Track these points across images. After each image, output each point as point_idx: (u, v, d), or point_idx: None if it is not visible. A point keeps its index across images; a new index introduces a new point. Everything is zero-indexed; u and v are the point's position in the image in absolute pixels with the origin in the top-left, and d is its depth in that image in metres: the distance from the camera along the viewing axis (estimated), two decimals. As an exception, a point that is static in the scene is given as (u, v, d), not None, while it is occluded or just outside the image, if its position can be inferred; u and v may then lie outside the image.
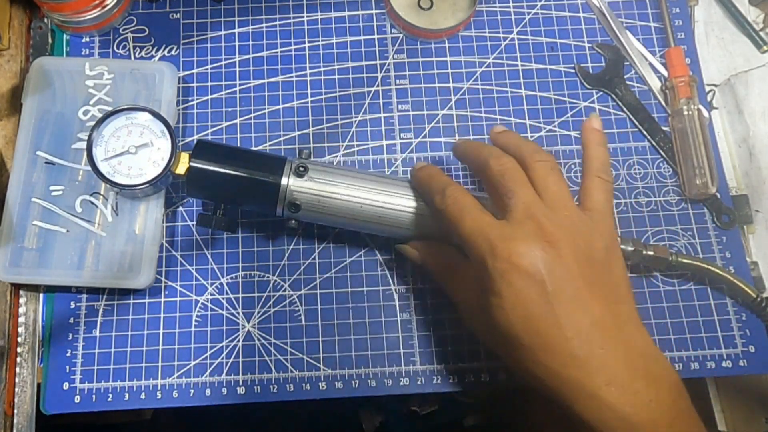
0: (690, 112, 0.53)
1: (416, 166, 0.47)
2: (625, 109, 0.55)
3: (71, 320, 0.49)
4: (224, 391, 0.48)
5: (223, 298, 0.50)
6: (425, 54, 0.57)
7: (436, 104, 0.55)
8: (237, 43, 0.56)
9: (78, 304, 0.50)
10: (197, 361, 0.49)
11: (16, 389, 0.48)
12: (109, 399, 0.48)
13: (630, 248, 0.47)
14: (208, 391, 0.48)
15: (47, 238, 0.48)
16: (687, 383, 0.48)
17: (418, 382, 0.49)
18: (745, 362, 0.49)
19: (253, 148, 0.53)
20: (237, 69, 0.56)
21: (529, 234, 0.38)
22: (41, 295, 0.50)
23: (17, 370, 0.48)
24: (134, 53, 0.56)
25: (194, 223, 0.52)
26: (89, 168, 0.46)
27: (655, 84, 0.56)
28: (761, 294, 0.49)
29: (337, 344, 0.49)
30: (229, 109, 0.55)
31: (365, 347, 0.49)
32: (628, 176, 0.54)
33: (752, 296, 0.49)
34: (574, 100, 0.56)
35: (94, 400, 0.48)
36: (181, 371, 0.48)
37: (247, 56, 0.56)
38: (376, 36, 0.57)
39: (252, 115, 0.54)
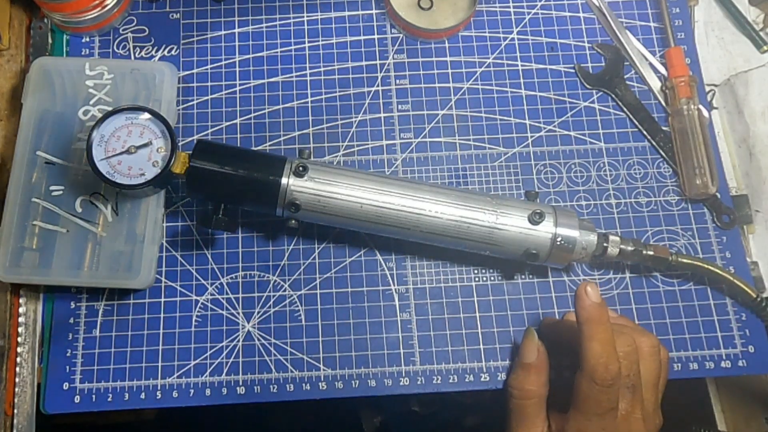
0: (690, 112, 0.53)
1: (590, 291, 0.42)
2: (625, 109, 0.55)
3: (71, 320, 0.49)
4: (224, 391, 0.48)
5: (223, 298, 0.50)
6: (425, 54, 0.57)
7: (436, 104, 0.55)
8: (237, 43, 0.56)
9: (78, 304, 0.50)
10: (197, 361, 0.49)
11: (16, 389, 0.48)
12: (109, 399, 0.48)
13: (630, 248, 0.47)
14: (208, 391, 0.48)
15: (47, 238, 0.48)
16: (686, 383, 0.48)
17: (418, 382, 0.49)
18: (744, 362, 0.49)
19: (253, 148, 0.53)
20: (237, 69, 0.56)
21: None
22: (41, 295, 0.50)
23: (17, 370, 0.48)
24: (134, 53, 0.56)
25: (194, 223, 0.52)
26: (89, 168, 0.46)
27: (655, 84, 0.56)
28: (761, 294, 0.49)
29: (337, 344, 0.49)
30: (229, 109, 0.55)
31: (365, 347, 0.49)
32: (628, 176, 0.54)
33: (752, 296, 0.49)
34: (574, 100, 0.56)
35: (94, 400, 0.48)
36: (181, 371, 0.48)
37: (247, 56, 0.56)
38: (376, 36, 0.57)
39: (252, 115, 0.54)
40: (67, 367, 0.48)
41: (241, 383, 0.48)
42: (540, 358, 0.44)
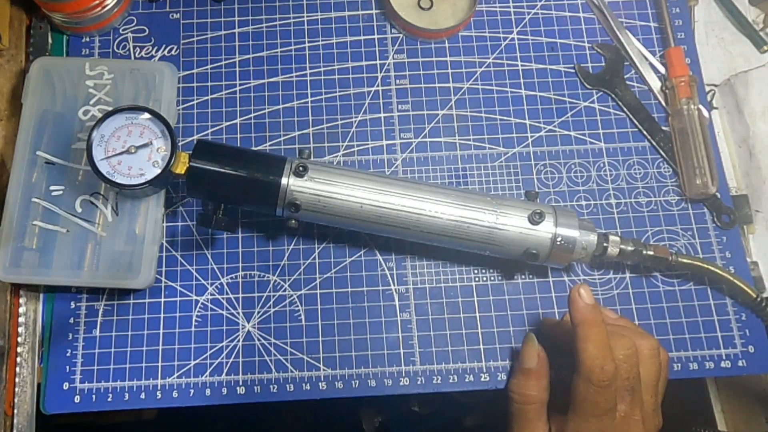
0: (690, 112, 0.53)
1: (583, 294, 0.42)
2: (625, 109, 0.55)
3: (71, 320, 0.49)
4: (224, 391, 0.48)
5: (223, 298, 0.50)
6: (425, 54, 0.57)
7: (436, 104, 0.55)
8: (237, 43, 0.56)
9: (78, 304, 0.50)
10: (197, 361, 0.49)
11: (16, 389, 0.48)
12: (109, 399, 0.48)
13: (630, 248, 0.47)
14: (208, 391, 0.48)
15: (47, 238, 0.48)
16: (686, 383, 0.48)
17: (418, 382, 0.49)
18: (744, 362, 0.49)
19: (253, 148, 0.53)
20: (237, 69, 0.56)
21: None
22: (41, 295, 0.50)
23: (17, 370, 0.48)
24: (134, 53, 0.56)
25: (194, 223, 0.52)
26: (89, 168, 0.46)
27: (655, 84, 0.56)
28: (761, 294, 0.49)
29: (337, 344, 0.49)
30: (229, 109, 0.55)
31: (365, 347, 0.49)
32: (628, 176, 0.54)
33: (752, 296, 0.49)
34: (574, 100, 0.56)
35: (94, 400, 0.48)
36: (181, 371, 0.48)
37: (247, 56, 0.56)
38: (376, 36, 0.57)
39: (252, 115, 0.54)
40: (67, 367, 0.48)
41: (241, 383, 0.48)
42: (540, 363, 0.44)
